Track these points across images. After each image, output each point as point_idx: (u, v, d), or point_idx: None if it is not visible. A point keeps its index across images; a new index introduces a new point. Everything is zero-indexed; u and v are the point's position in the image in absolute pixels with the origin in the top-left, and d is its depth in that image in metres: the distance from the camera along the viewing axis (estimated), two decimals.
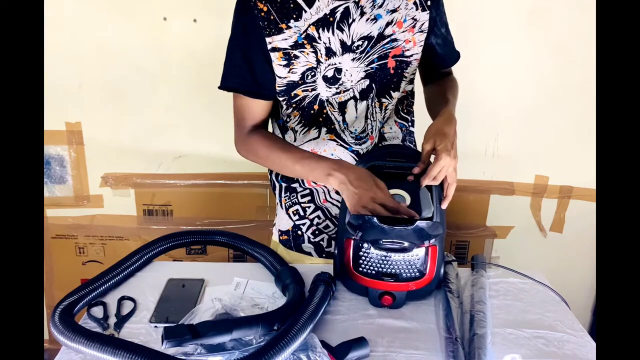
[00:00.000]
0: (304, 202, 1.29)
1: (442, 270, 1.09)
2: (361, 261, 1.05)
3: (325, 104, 1.16)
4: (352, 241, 1.05)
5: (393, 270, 1.04)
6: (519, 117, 1.88)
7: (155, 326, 1.01)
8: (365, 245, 1.04)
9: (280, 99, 1.17)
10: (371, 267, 1.05)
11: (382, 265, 1.04)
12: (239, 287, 1.13)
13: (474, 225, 2.01)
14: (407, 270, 1.04)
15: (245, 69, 1.13)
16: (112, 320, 1.02)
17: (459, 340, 0.95)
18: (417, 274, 1.05)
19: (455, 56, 1.30)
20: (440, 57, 1.25)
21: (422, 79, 1.35)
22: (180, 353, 0.87)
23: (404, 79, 1.19)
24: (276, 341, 0.83)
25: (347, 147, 1.21)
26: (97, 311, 1.04)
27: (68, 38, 1.76)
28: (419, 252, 1.03)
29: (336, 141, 1.20)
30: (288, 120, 1.21)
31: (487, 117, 1.88)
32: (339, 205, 1.26)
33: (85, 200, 1.96)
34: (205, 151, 1.90)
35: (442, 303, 1.07)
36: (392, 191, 1.06)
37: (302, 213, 1.29)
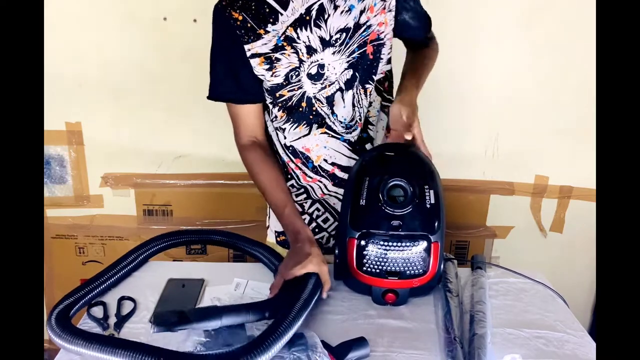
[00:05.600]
0: (300, 200, 1.30)
1: (442, 266, 1.09)
2: (365, 260, 1.05)
3: (313, 100, 1.17)
4: (355, 240, 1.05)
5: (396, 269, 1.04)
6: (519, 117, 1.88)
7: None
8: (364, 243, 1.04)
9: (267, 98, 1.18)
10: (375, 266, 1.05)
11: (386, 264, 1.04)
12: (239, 288, 1.13)
13: (474, 225, 2.01)
14: (410, 268, 1.04)
15: (229, 78, 1.15)
16: (112, 320, 1.02)
17: (457, 339, 0.95)
18: (420, 271, 1.05)
19: (428, 23, 1.29)
20: (415, 29, 1.24)
21: (406, 47, 1.34)
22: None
23: (381, 61, 1.20)
24: (264, 337, 0.82)
25: (339, 137, 1.22)
26: (97, 311, 1.04)
27: (68, 38, 1.76)
28: (421, 249, 1.04)
29: (327, 133, 1.21)
30: (274, 119, 1.22)
31: (487, 117, 1.89)
32: (337, 196, 1.27)
33: (85, 200, 1.96)
34: (205, 151, 1.90)
35: (441, 303, 1.07)
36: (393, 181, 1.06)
37: (300, 209, 1.29)
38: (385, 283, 1.05)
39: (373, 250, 1.04)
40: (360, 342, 0.93)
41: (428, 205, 1.04)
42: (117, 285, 1.12)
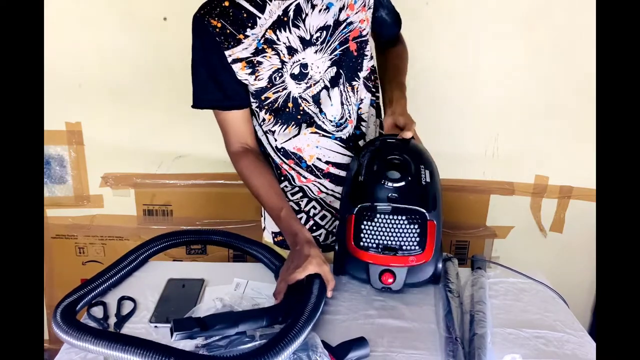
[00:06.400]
0: (296, 199, 1.30)
1: (439, 265, 1.09)
2: (362, 235, 1.07)
3: (299, 100, 1.18)
4: (354, 217, 1.07)
5: (393, 243, 1.05)
6: (519, 117, 1.88)
7: (156, 326, 1.01)
8: (362, 218, 1.06)
9: (253, 102, 1.19)
10: (371, 241, 1.06)
11: (382, 238, 1.06)
12: (239, 288, 1.13)
13: (474, 225, 2.01)
14: (406, 243, 1.05)
15: (213, 85, 1.16)
16: (112, 320, 1.02)
17: (459, 339, 0.95)
18: (416, 247, 1.06)
19: (400, 19, 1.32)
20: (390, 26, 1.29)
21: (375, 47, 1.37)
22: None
23: (365, 57, 1.22)
24: (277, 340, 0.83)
25: (330, 135, 1.23)
26: (97, 311, 1.04)
27: (68, 38, 1.76)
28: (417, 224, 1.06)
29: (318, 133, 1.22)
30: (263, 123, 1.22)
31: (487, 117, 1.89)
32: (334, 194, 1.27)
33: (85, 200, 1.96)
34: (205, 151, 1.90)
35: (442, 303, 1.07)
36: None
37: (296, 207, 1.30)
38: (382, 259, 1.06)
39: (370, 224, 1.06)
40: (360, 342, 0.93)
41: (424, 182, 1.08)
42: (118, 285, 1.12)
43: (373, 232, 1.06)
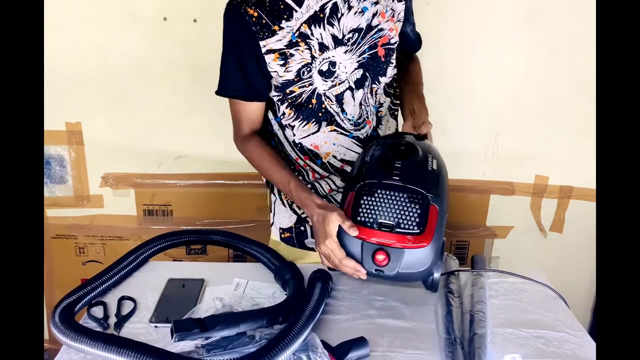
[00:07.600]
0: None
1: (439, 267, 1.05)
2: (360, 210, 1.02)
3: (323, 98, 1.19)
4: (354, 193, 1.04)
5: (390, 220, 1.00)
6: (519, 117, 1.88)
7: (156, 326, 1.01)
8: (362, 193, 1.03)
9: (275, 95, 1.20)
10: (368, 216, 1.01)
11: (380, 214, 1.00)
12: (239, 288, 1.13)
13: (474, 225, 2.01)
14: (404, 221, 1.00)
15: (239, 76, 1.17)
16: (112, 320, 1.03)
17: (458, 340, 0.95)
18: (415, 227, 1.00)
19: (420, 39, 1.36)
20: (412, 42, 1.33)
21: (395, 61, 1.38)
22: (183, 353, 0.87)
23: (390, 64, 1.24)
24: (276, 342, 0.83)
25: (348, 134, 1.24)
26: (97, 311, 1.04)
27: (68, 38, 1.76)
28: (417, 204, 1.00)
29: (337, 130, 1.23)
30: (282, 117, 1.23)
31: (487, 117, 1.88)
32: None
33: (85, 200, 1.96)
34: (205, 151, 1.90)
35: (442, 303, 1.07)
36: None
37: None
38: (377, 234, 1.00)
39: (369, 199, 1.01)
40: (360, 342, 0.94)
41: (430, 169, 1.05)
42: (118, 285, 1.12)
43: (371, 208, 1.01)
